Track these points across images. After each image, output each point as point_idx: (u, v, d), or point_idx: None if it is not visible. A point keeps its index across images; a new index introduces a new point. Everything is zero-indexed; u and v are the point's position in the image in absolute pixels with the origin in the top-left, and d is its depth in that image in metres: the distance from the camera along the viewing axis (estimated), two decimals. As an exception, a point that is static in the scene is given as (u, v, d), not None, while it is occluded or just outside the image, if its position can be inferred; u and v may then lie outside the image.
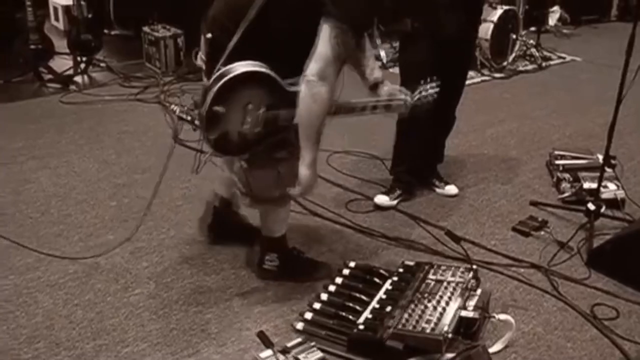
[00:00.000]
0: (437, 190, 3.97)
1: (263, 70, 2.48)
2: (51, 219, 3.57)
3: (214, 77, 2.46)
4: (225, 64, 2.48)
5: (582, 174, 4.02)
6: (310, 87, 2.42)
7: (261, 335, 2.66)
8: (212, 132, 2.48)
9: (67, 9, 6.29)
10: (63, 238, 3.39)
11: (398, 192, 3.81)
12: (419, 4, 3.44)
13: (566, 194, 3.95)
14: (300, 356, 2.49)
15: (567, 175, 4.07)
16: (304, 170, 2.56)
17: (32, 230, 3.45)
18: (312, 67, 2.41)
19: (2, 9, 5.91)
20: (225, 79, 2.42)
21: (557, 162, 4.22)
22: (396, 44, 6.06)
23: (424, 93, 2.99)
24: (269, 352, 2.53)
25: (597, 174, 3.60)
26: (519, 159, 4.53)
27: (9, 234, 3.33)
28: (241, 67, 2.45)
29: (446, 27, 3.43)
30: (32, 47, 5.61)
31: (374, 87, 2.92)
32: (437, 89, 3.03)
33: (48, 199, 3.79)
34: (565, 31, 8.64)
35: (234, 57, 2.48)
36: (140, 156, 4.31)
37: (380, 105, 2.87)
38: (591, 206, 3.50)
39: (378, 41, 6.64)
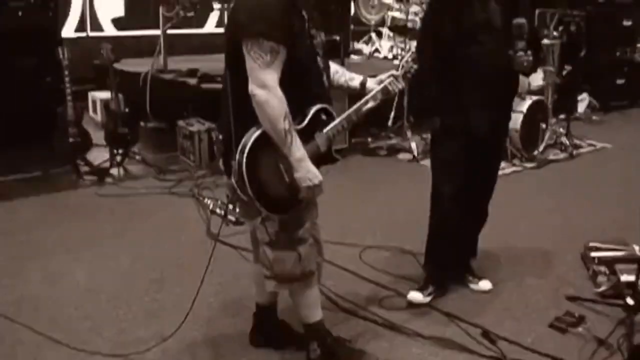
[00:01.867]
0: (471, 285, 3.92)
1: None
2: (84, 314, 3.59)
3: (236, 156, 2.62)
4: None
5: (618, 267, 3.94)
6: (255, 100, 2.54)
7: None
8: (264, 203, 2.65)
9: (105, 103, 6.50)
10: (95, 333, 3.40)
11: (431, 288, 3.77)
12: (447, 102, 3.52)
13: (603, 288, 3.87)
14: None
15: (603, 268, 4.00)
16: (296, 167, 2.65)
17: (65, 325, 3.46)
18: (249, 83, 2.55)
19: (44, 103, 6.13)
20: (246, 151, 2.58)
21: (592, 254, 4.16)
22: (426, 136, 6.14)
23: (404, 62, 3.08)
24: None
25: (635, 266, 3.54)
26: (553, 252, 4.47)
27: (42, 328, 3.36)
28: (250, 136, 2.60)
29: (477, 124, 3.48)
30: (71, 140, 5.78)
31: (363, 89, 3.04)
32: (411, 52, 3.21)
33: (82, 293, 3.82)
34: (594, 118, 8.68)
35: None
36: (173, 251, 4.35)
37: (377, 95, 2.98)
38: (630, 300, 3.42)
39: (409, 133, 6.74)
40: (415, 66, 3.04)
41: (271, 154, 2.63)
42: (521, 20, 3.40)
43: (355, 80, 3.07)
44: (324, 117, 2.81)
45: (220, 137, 2.81)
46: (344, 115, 2.86)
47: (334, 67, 3.08)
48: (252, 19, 2.53)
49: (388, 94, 3.02)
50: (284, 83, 2.58)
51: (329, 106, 2.83)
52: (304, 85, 2.72)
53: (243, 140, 2.60)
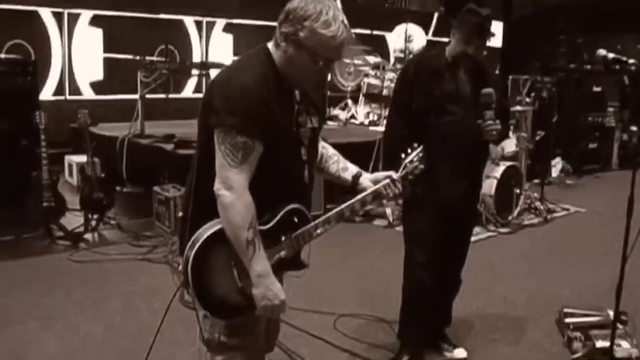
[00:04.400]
0: (446, 354, 3.90)
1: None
2: (54, 385, 3.52)
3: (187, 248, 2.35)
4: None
5: (593, 332, 3.96)
6: (220, 200, 2.27)
7: None
8: (207, 304, 2.36)
9: (81, 167, 6.49)
10: (64, 408, 3.33)
11: (406, 357, 3.74)
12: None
13: (578, 354, 3.87)
14: None
15: (578, 334, 4.00)
16: (255, 283, 2.32)
17: (32, 399, 3.39)
18: (216, 179, 2.28)
19: (19, 167, 6.11)
20: (196, 247, 2.30)
21: (567, 320, 4.16)
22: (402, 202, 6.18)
23: (409, 165, 2.67)
24: None
25: (609, 332, 3.54)
26: (528, 318, 4.47)
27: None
28: (205, 231, 2.32)
29: (448, 193, 3.52)
30: (45, 204, 5.74)
31: (355, 183, 2.66)
32: (420, 154, 2.69)
33: (51, 363, 3.74)
34: (568, 182, 8.82)
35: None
36: (146, 319, 4.28)
37: (368, 199, 2.60)
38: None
39: (384, 199, 6.77)
40: (422, 166, 2.67)
41: (225, 254, 2.32)
42: (489, 90, 3.46)
43: (347, 172, 2.69)
44: (295, 219, 2.45)
45: (180, 214, 2.55)
46: (319, 219, 2.49)
47: (330, 152, 2.74)
48: (227, 108, 2.25)
49: (381, 198, 2.66)
50: (256, 178, 2.30)
51: (303, 207, 2.48)
52: (278, 182, 2.39)
53: (196, 233, 2.31)
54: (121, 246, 5.75)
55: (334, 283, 5.04)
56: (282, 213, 2.42)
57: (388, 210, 6.60)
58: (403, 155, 2.67)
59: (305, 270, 2.56)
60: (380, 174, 2.66)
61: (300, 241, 2.47)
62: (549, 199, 7.44)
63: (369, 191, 2.59)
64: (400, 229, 4.03)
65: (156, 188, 6.35)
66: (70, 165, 7.66)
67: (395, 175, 2.63)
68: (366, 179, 2.65)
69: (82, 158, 6.55)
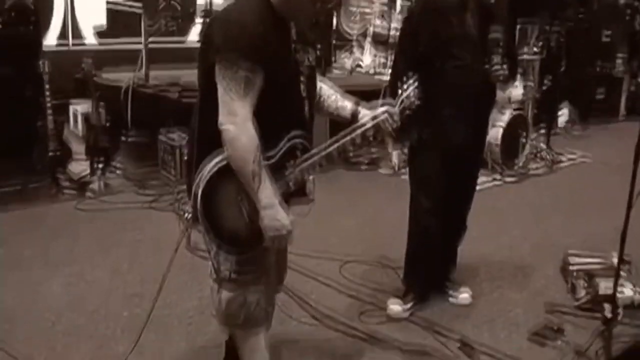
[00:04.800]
0: (451, 298, 3.93)
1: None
2: (62, 330, 3.55)
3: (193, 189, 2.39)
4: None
5: (597, 279, 3.96)
6: (224, 134, 2.30)
7: None
8: (218, 238, 2.43)
9: (86, 115, 6.46)
10: (74, 350, 3.36)
11: (411, 300, 3.77)
12: (425, 114, 3.53)
13: (582, 300, 3.90)
14: None
15: (581, 281, 4.02)
16: (262, 214, 2.37)
17: (41, 341, 3.42)
18: (220, 115, 2.31)
19: (24, 116, 6.09)
20: (205, 181, 2.35)
21: (571, 267, 4.18)
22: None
23: (405, 96, 2.69)
24: None
25: (613, 278, 3.55)
26: (533, 265, 4.50)
27: (18, 344, 3.31)
28: (212, 167, 2.36)
29: (454, 137, 3.50)
30: (51, 153, 5.75)
31: (354, 117, 2.70)
32: (415, 85, 2.69)
33: (59, 308, 3.77)
34: (574, 132, 8.76)
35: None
36: (153, 266, 4.30)
37: (369, 132, 2.65)
38: (608, 313, 3.44)
39: (389, 147, 6.76)
40: (417, 102, 2.69)
41: (233, 187, 2.37)
42: (497, 35, 3.42)
43: (347, 109, 2.72)
44: (299, 151, 2.49)
45: (186, 157, 2.62)
46: (323, 152, 2.53)
47: (328, 90, 2.77)
48: (227, 42, 2.28)
49: (380, 132, 2.70)
50: (257, 112, 2.33)
51: (306, 140, 2.52)
52: (280, 116, 2.42)
53: (204, 170, 2.36)
54: (127, 195, 5.77)
55: (339, 230, 5.07)
56: (285, 147, 2.45)
57: (393, 158, 6.59)
58: (400, 91, 2.70)
59: (311, 205, 2.60)
60: (378, 110, 2.69)
61: (304, 174, 2.52)
62: (555, 148, 7.40)
63: (368, 125, 2.63)
64: (405, 176, 4.04)
65: (161, 136, 6.34)
66: (75, 115, 7.61)
67: (392, 109, 2.67)
68: (365, 114, 2.68)
69: (87, 107, 6.52)
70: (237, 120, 2.28)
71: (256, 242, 2.46)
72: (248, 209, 2.40)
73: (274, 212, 2.37)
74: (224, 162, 2.35)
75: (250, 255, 2.52)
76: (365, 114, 2.68)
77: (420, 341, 3.51)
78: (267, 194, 2.35)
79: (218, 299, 2.62)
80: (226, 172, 2.35)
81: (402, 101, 2.68)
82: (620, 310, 3.54)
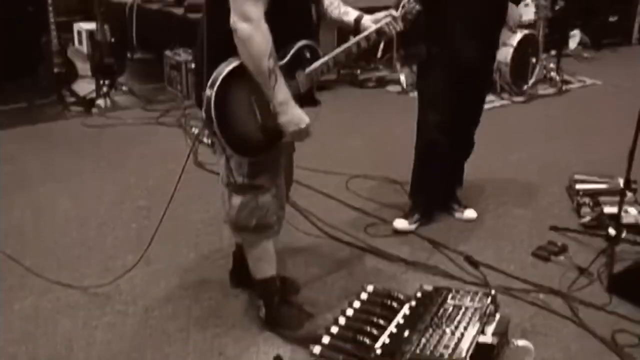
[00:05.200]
0: (456, 215, 3.95)
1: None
2: (72, 242, 3.61)
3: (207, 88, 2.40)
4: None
5: (602, 199, 3.98)
6: (238, 34, 2.30)
7: (278, 359, 2.65)
8: (231, 142, 2.44)
9: (90, 33, 6.40)
10: (83, 260, 3.42)
11: (417, 216, 3.80)
12: (434, 31, 3.47)
13: (586, 219, 3.92)
14: (317, 380, 2.47)
15: (587, 200, 4.03)
16: (280, 111, 2.43)
17: (51, 253, 3.48)
18: (232, 14, 2.30)
19: (28, 33, 6.02)
20: (216, 85, 2.35)
21: (577, 186, 4.18)
22: (416, 68, 6.10)
23: (407, 5, 2.73)
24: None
25: (618, 199, 3.56)
26: (539, 184, 4.50)
27: (29, 257, 3.36)
28: (223, 69, 2.37)
29: (463, 53, 3.44)
30: (56, 70, 5.71)
31: (358, 25, 2.75)
32: None
33: (68, 222, 3.83)
34: (585, 55, 8.62)
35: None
36: (161, 179, 4.33)
37: (372, 36, 2.69)
38: (612, 231, 3.46)
39: (398, 65, 6.70)
40: (418, 7, 2.71)
41: (245, 91, 2.40)
42: None
43: (349, 15, 2.77)
44: (307, 54, 2.54)
45: (193, 66, 2.64)
46: (331, 55, 2.59)
47: None
48: None
49: (384, 36, 2.75)
50: (267, 16, 2.33)
51: (314, 43, 2.56)
52: (288, 19, 2.44)
53: (215, 72, 2.36)
54: (134, 111, 5.77)
55: (347, 146, 5.08)
56: (294, 49, 2.50)
57: (402, 77, 6.53)
58: None
59: (319, 108, 2.65)
60: (380, 14, 2.74)
61: (313, 77, 2.57)
62: (565, 70, 7.30)
63: (372, 29, 2.68)
64: (413, 95, 4.00)
65: (167, 52, 6.28)
66: (79, 33, 7.55)
67: (395, 13, 2.72)
68: (368, 19, 2.75)
69: (92, 25, 6.44)
70: (251, 17, 2.29)
71: (269, 145, 2.51)
72: (261, 111, 2.44)
73: (290, 107, 2.44)
74: (236, 64, 2.36)
75: (263, 159, 2.56)
76: (368, 19, 2.75)
77: (425, 254, 3.55)
78: (284, 90, 2.41)
79: (230, 204, 2.67)
80: (239, 75, 2.37)
81: (404, 6, 2.73)
82: (624, 230, 3.54)
